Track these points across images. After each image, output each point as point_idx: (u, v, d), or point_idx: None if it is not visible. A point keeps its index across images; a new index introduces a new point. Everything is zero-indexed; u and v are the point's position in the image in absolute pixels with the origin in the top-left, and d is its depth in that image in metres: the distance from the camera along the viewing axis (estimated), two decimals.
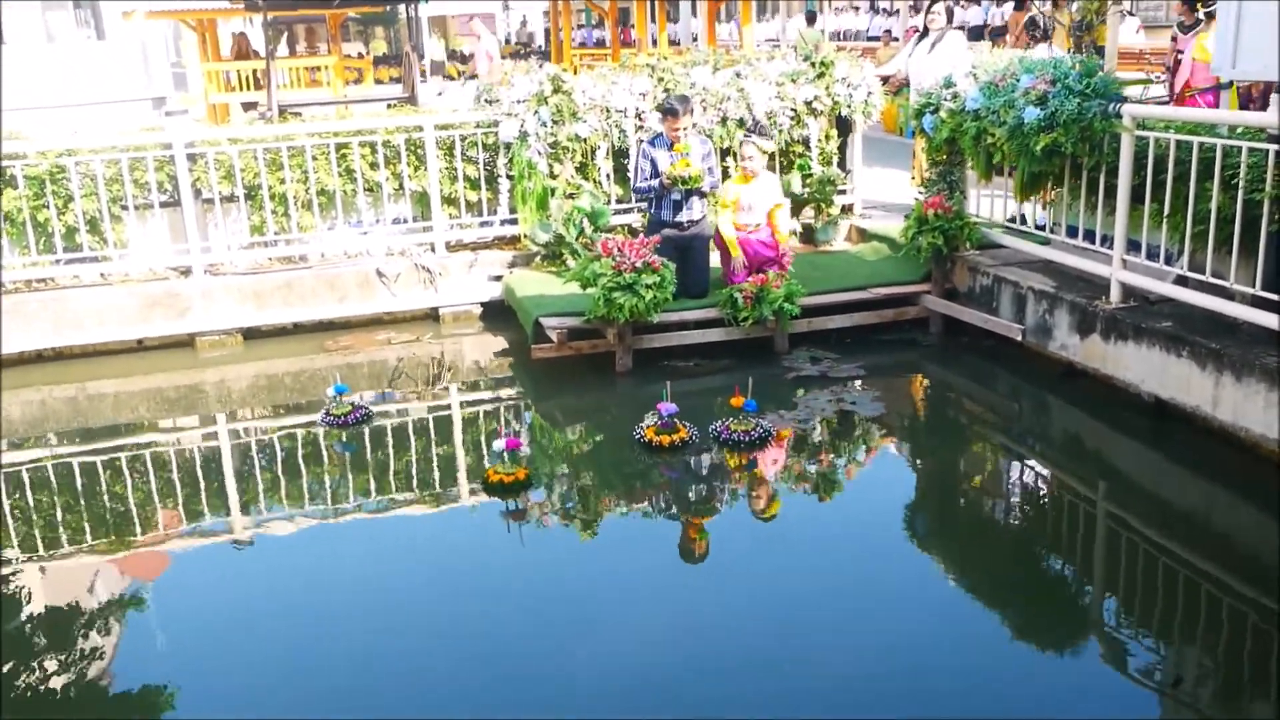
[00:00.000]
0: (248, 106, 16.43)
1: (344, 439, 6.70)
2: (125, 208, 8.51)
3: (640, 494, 5.96)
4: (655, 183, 7.66)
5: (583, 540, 5.46)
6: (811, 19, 20.65)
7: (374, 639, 4.54)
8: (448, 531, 5.61)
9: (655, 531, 5.55)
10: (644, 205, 8.14)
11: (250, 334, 8.51)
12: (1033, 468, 6.31)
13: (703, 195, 7.76)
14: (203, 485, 6.19)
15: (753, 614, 4.67)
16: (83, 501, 6.06)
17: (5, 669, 4.45)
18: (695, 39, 21.33)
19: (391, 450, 6.61)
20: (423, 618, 4.72)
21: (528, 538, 5.47)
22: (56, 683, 4.40)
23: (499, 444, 5.79)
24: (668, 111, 7.66)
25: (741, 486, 6.07)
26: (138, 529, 5.71)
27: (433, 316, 8.87)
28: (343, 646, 4.51)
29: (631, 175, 7.99)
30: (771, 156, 9.29)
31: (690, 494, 5.95)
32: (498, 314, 8.72)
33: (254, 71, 17.00)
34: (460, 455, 6.53)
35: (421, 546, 5.47)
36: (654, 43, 18.31)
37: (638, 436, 6.28)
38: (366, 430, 6.78)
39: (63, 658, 4.56)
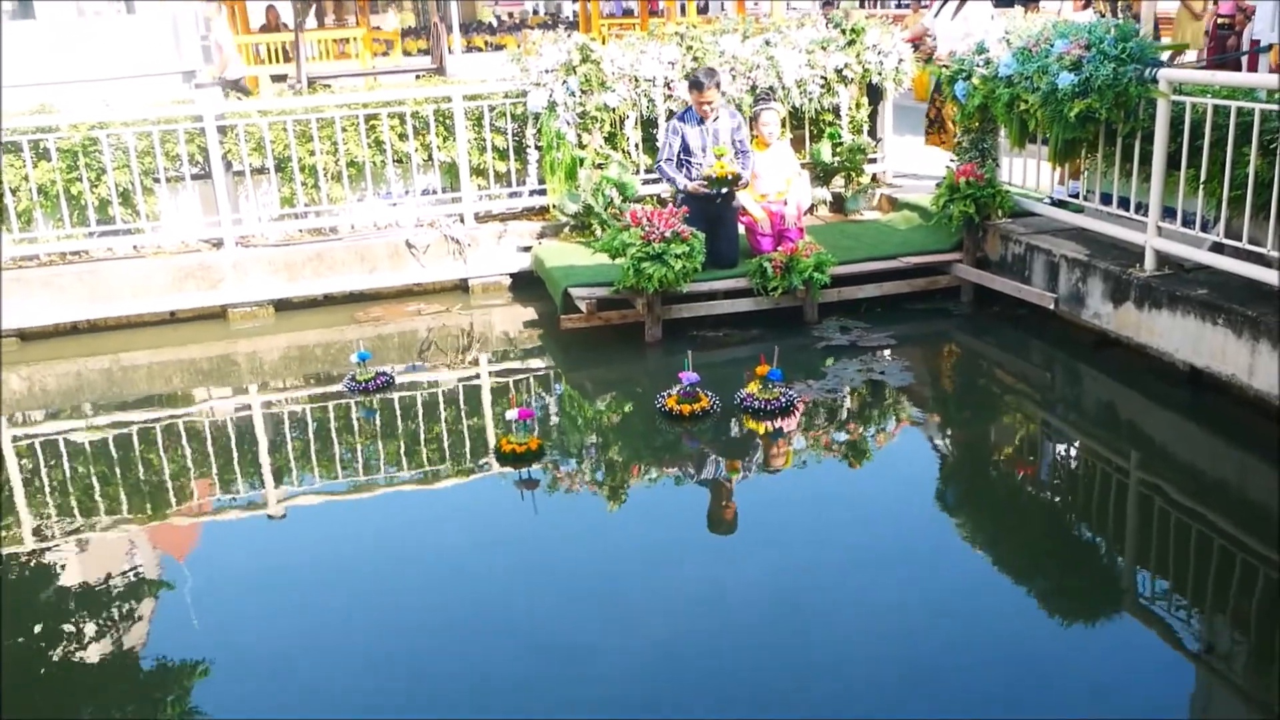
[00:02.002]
0: (277, 79, 16.45)
1: (369, 405, 6.78)
2: (157, 180, 8.57)
3: (657, 463, 5.98)
4: (683, 183, 7.53)
5: (594, 510, 5.48)
6: None
7: (389, 609, 4.58)
8: (460, 501, 5.64)
9: (671, 501, 5.55)
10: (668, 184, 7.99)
11: (281, 305, 8.58)
12: (1066, 438, 6.27)
13: (743, 186, 7.66)
14: (230, 454, 6.26)
15: (773, 585, 4.66)
16: (118, 471, 6.14)
17: (40, 639, 4.54)
18: (723, 8, 21.18)
19: (413, 420, 6.66)
20: (436, 588, 4.75)
21: (538, 507, 5.49)
22: (93, 652, 4.47)
23: (511, 414, 5.83)
24: (694, 85, 7.58)
25: (763, 456, 6.06)
26: (167, 499, 5.78)
27: (462, 287, 8.90)
28: (360, 615, 4.55)
29: (660, 150, 7.86)
30: (801, 125, 9.25)
31: (708, 463, 5.95)
32: (527, 285, 8.74)
33: (283, 44, 17.03)
34: (482, 425, 6.56)
35: (433, 516, 5.50)
36: (682, 11, 18.20)
37: (659, 406, 6.30)
38: (395, 400, 6.85)
39: (97, 628, 4.63)
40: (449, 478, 5.89)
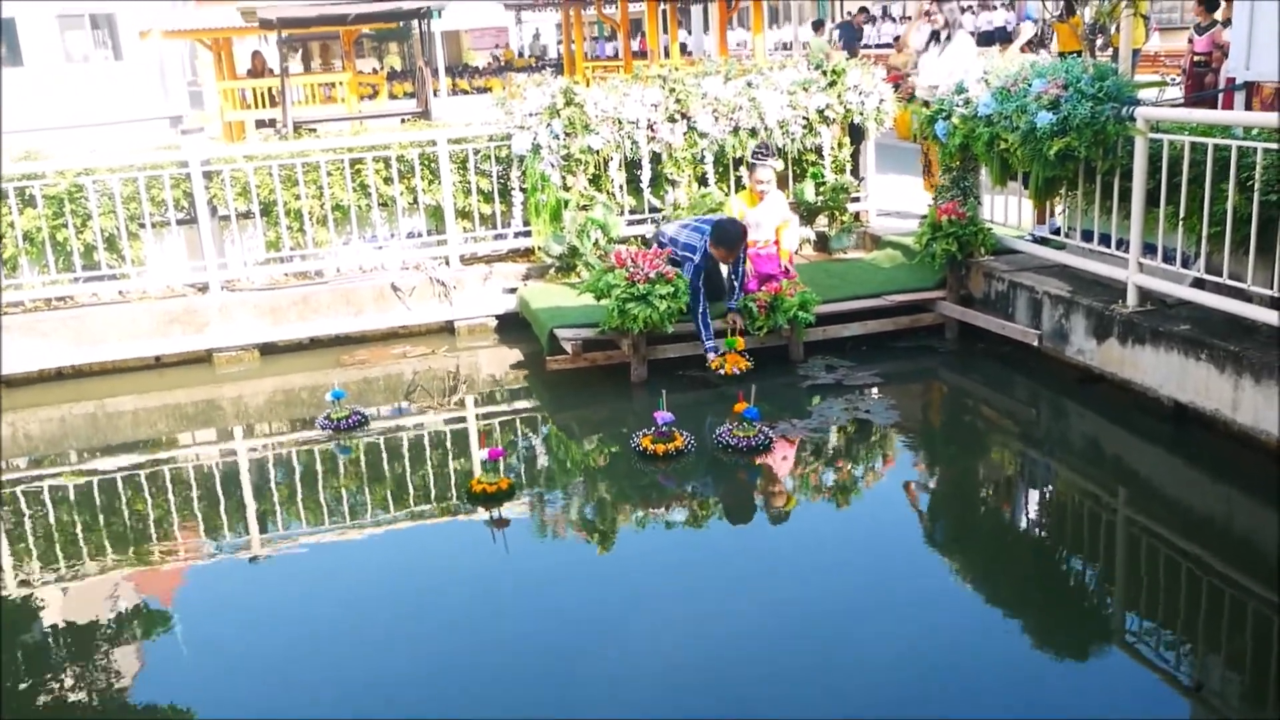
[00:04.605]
0: (263, 124, 16.52)
1: (344, 444, 6.80)
2: (143, 225, 8.57)
3: (626, 503, 5.98)
4: (710, 344, 7.33)
5: (562, 550, 5.46)
6: (818, 27, 20.61)
7: (360, 650, 4.57)
8: (430, 541, 5.64)
9: (640, 541, 5.53)
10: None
11: (267, 349, 8.55)
12: (1051, 474, 6.26)
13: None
14: (212, 499, 6.22)
15: (756, 625, 4.63)
16: (101, 517, 6.08)
17: (23, 686, 4.47)
18: (706, 53, 21.35)
19: (389, 460, 6.64)
20: (405, 629, 4.73)
21: (508, 547, 5.50)
22: (79, 697, 4.41)
23: (482, 453, 5.80)
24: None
25: (736, 494, 6.05)
26: (147, 545, 5.73)
27: (448, 329, 8.89)
28: (334, 661, 4.53)
29: (691, 279, 7.32)
30: (784, 165, 9.30)
31: (679, 502, 5.94)
32: (513, 326, 8.74)
33: (269, 89, 17.11)
34: (459, 465, 6.55)
35: (403, 556, 5.49)
36: (665, 53, 18.36)
37: (634, 446, 6.29)
38: (371, 440, 6.86)
39: (83, 673, 4.58)
40: (420, 518, 5.88)
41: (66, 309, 8.34)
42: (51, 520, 6.07)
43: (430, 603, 4.96)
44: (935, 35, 9.39)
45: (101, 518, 6.07)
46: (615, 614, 4.82)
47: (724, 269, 7.69)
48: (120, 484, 6.56)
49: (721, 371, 7.15)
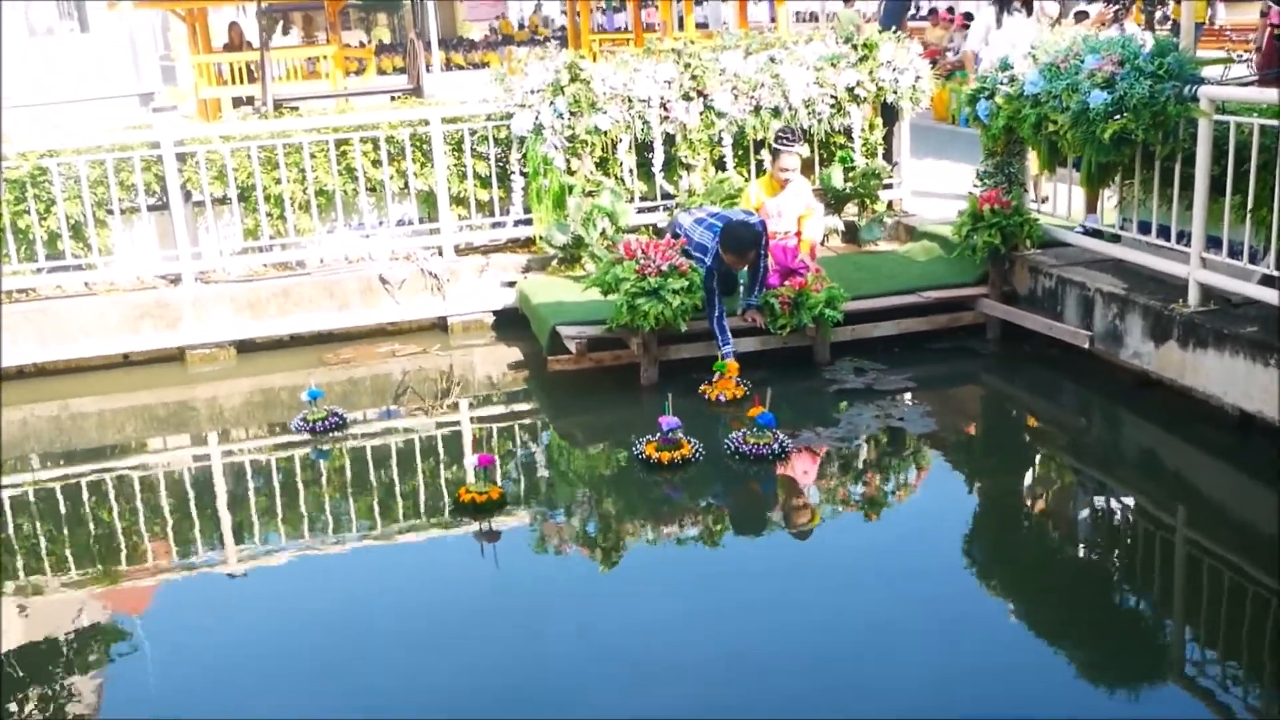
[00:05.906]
0: (240, 101, 16.49)
1: (322, 449, 6.79)
2: (111, 212, 8.53)
3: (623, 514, 5.95)
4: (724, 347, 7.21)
5: (550, 565, 5.42)
6: None
7: (344, 670, 4.57)
8: (415, 554, 5.61)
9: (640, 558, 5.50)
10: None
11: (244, 346, 8.50)
12: (1104, 490, 6.18)
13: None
14: (182, 507, 6.20)
15: (775, 653, 4.57)
16: (64, 527, 6.04)
17: None
18: (725, 25, 21.30)
19: (372, 467, 6.63)
20: (386, 647, 4.72)
21: (498, 560, 5.50)
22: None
23: (471, 460, 5.80)
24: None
25: (744, 507, 6.00)
26: (112, 557, 5.71)
27: (441, 326, 8.84)
28: (317, 677, 4.53)
29: (704, 280, 7.18)
30: (810, 149, 9.22)
31: (681, 514, 5.89)
32: (511, 323, 8.68)
33: (247, 63, 17.07)
34: (449, 472, 6.50)
35: (386, 569, 5.49)
36: (680, 25, 18.29)
37: (637, 453, 6.23)
38: (352, 444, 6.86)
39: (47, 697, 4.55)
40: (405, 528, 5.85)
41: (29, 302, 8.29)
42: (11, 530, 6.02)
43: (405, 620, 4.93)
44: (1003, 5, 9.18)
45: (65, 527, 6.04)
46: (605, 634, 4.78)
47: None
48: (84, 491, 6.52)
49: (707, 398, 7.01)
